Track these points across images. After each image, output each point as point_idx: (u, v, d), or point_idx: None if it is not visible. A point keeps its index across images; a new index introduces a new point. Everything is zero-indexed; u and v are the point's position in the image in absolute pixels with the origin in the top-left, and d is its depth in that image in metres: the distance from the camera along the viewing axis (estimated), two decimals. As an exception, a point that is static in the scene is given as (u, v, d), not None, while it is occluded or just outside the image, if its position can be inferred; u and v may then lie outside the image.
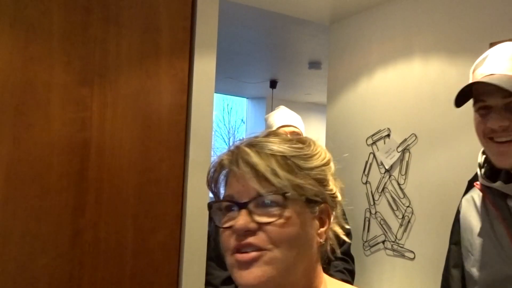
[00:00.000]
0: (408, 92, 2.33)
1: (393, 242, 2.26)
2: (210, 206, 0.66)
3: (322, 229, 0.67)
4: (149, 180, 1.55)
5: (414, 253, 2.17)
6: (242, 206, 0.61)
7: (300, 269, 0.62)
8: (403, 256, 2.22)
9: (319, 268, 0.68)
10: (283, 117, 2.09)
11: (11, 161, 1.32)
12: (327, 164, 0.70)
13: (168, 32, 1.65)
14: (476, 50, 2.12)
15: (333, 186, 0.70)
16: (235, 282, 0.62)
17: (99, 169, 1.45)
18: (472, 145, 2.08)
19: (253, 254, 0.59)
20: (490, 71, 0.94)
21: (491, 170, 0.99)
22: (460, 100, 0.98)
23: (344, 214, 2.27)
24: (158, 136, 1.60)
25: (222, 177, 0.66)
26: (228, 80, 5.51)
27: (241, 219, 0.60)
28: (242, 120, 8.19)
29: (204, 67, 1.72)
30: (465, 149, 2.03)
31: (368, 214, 2.42)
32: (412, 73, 2.33)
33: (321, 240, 0.66)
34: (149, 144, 1.58)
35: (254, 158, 0.62)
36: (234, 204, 0.62)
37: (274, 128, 2.05)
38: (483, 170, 1.00)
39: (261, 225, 0.60)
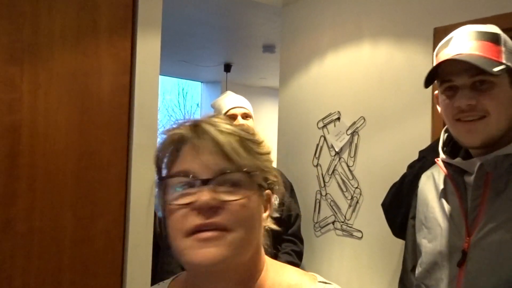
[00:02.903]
0: (357, 76, 2.36)
1: (342, 222, 2.31)
2: (161, 181, 0.61)
3: (265, 214, 0.66)
4: (89, 165, 1.47)
5: (362, 232, 2.23)
6: (205, 182, 0.58)
7: (250, 252, 0.62)
8: (351, 235, 2.27)
9: (263, 252, 0.68)
10: (232, 100, 2.06)
11: None
12: (270, 153, 0.70)
13: (108, 9, 1.55)
14: (422, 35, 2.18)
15: (274, 176, 0.70)
16: (185, 263, 0.59)
17: (32, 154, 1.35)
18: (418, 127, 2.16)
19: (215, 233, 0.57)
20: (456, 51, 0.95)
21: (451, 148, 1.03)
22: (428, 81, 0.99)
23: (295, 195, 2.25)
24: (98, 119, 1.51)
25: (173, 152, 0.62)
26: (182, 64, 5.37)
27: (205, 195, 0.57)
28: (197, 104, 8.06)
29: (148, 46, 1.65)
30: (411, 131, 2.09)
31: (318, 196, 2.46)
32: (362, 57, 2.36)
33: (265, 225, 0.66)
34: (89, 127, 1.49)
35: (217, 134, 0.60)
36: (194, 180, 0.58)
37: (224, 111, 2.00)
38: (444, 148, 1.03)
39: (224, 203, 0.58)
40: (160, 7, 1.67)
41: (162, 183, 0.62)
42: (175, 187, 0.60)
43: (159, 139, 0.71)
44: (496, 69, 0.88)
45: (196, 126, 0.62)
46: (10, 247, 1.29)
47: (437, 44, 1.07)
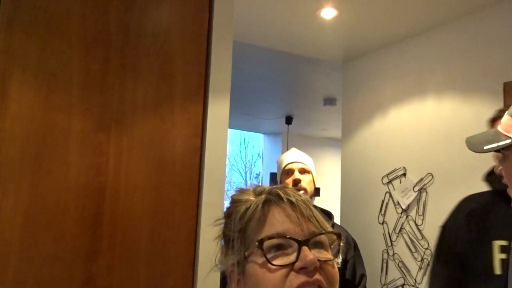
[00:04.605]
0: (422, 131, 2.32)
1: (413, 286, 2.19)
2: (260, 243, 0.62)
3: None
4: (162, 223, 1.57)
5: (434, 298, 2.08)
6: (303, 243, 0.61)
7: None
8: (423, 301, 2.14)
9: None
10: (292, 155, 2.11)
11: (28, 208, 1.36)
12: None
13: (183, 78, 1.70)
14: (490, 90, 2.12)
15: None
16: None
17: (114, 213, 1.47)
18: (491, 185, 2.04)
19: None
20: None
21: None
22: None
23: (359, 254, 2.19)
24: (171, 179, 1.62)
25: (260, 215, 0.65)
26: (244, 116, 5.58)
27: (310, 254, 0.59)
28: (258, 154, 8.22)
29: (218, 110, 1.76)
30: (482, 188, 1.99)
31: (385, 256, 2.36)
32: (426, 112, 2.32)
33: None
34: (163, 188, 1.60)
35: (297, 200, 0.65)
36: (291, 241, 0.62)
37: (283, 165, 2.05)
38: None
39: (323, 263, 0.61)
40: (229, 75, 1.81)
41: (249, 243, 0.63)
42: (270, 248, 0.61)
43: (229, 201, 0.76)
44: (486, 147, 0.93)
45: (274, 193, 0.67)
46: (91, 301, 1.38)
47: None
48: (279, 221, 0.64)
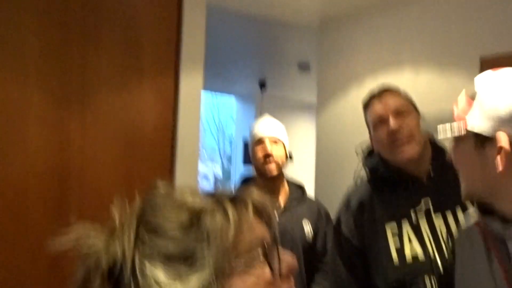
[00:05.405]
0: (398, 103, 2.31)
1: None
2: (264, 250, 0.58)
3: None
4: (132, 202, 1.50)
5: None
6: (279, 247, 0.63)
7: None
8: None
9: None
10: (263, 125, 2.04)
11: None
12: None
13: (152, 46, 1.59)
14: (467, 64, 2.10)
15: None
16: None
17: (80, 191, 1.39)
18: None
19: None
20: None
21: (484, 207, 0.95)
22: None
23: (332, 225, 2.16)
24: (142, 155, 1.54)
25: (242, 221, 0.59)
26: (216, 77, 5.44)
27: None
28: (231, 117, 8.13)
29: (191, 83, 1.67)
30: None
31: (357, 226, 2.40)
32: (402, 85, 2.28)
33: None
34: (133, 164, 1.52)
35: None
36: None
37: (254, 136, 2.00)
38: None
39: None
40: (203, 43, 1.70)
41: (237, 253, 0.56)
42: (260, 255, 0.57)
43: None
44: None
45: (254, 198, 0.63)
46: (58, 285, 1.33)
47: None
48: (258, 227, 0.60)
